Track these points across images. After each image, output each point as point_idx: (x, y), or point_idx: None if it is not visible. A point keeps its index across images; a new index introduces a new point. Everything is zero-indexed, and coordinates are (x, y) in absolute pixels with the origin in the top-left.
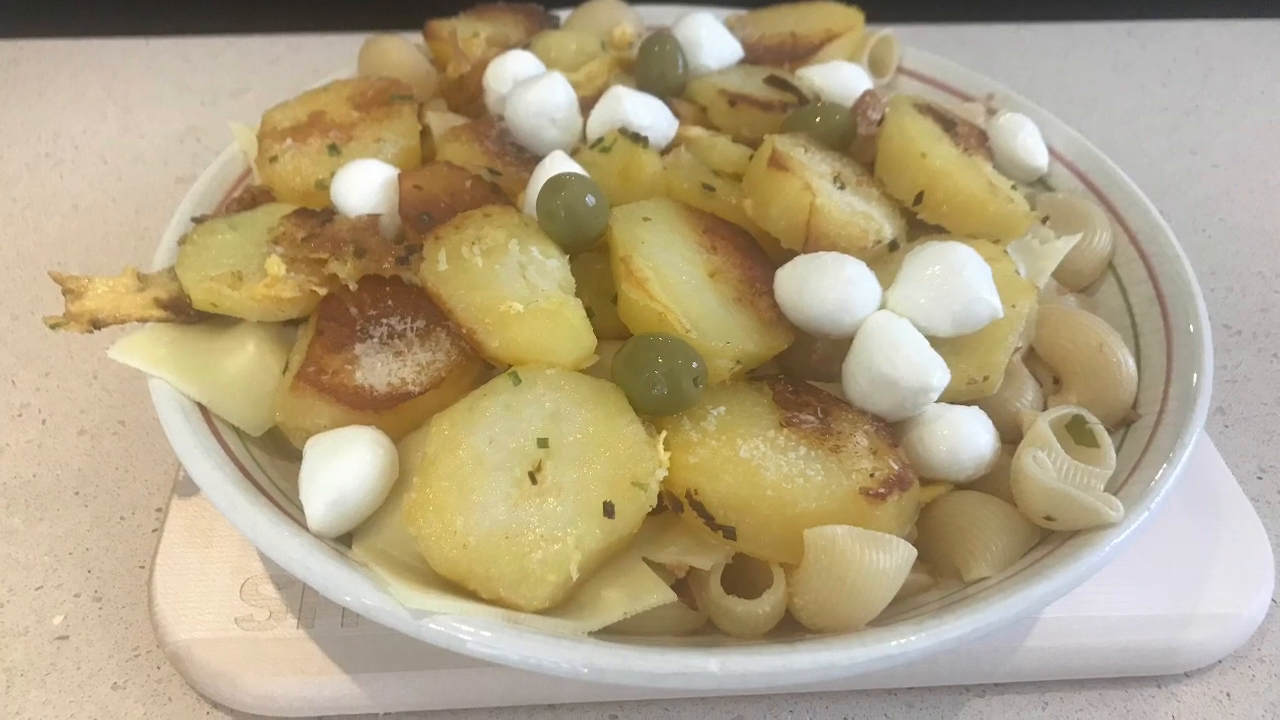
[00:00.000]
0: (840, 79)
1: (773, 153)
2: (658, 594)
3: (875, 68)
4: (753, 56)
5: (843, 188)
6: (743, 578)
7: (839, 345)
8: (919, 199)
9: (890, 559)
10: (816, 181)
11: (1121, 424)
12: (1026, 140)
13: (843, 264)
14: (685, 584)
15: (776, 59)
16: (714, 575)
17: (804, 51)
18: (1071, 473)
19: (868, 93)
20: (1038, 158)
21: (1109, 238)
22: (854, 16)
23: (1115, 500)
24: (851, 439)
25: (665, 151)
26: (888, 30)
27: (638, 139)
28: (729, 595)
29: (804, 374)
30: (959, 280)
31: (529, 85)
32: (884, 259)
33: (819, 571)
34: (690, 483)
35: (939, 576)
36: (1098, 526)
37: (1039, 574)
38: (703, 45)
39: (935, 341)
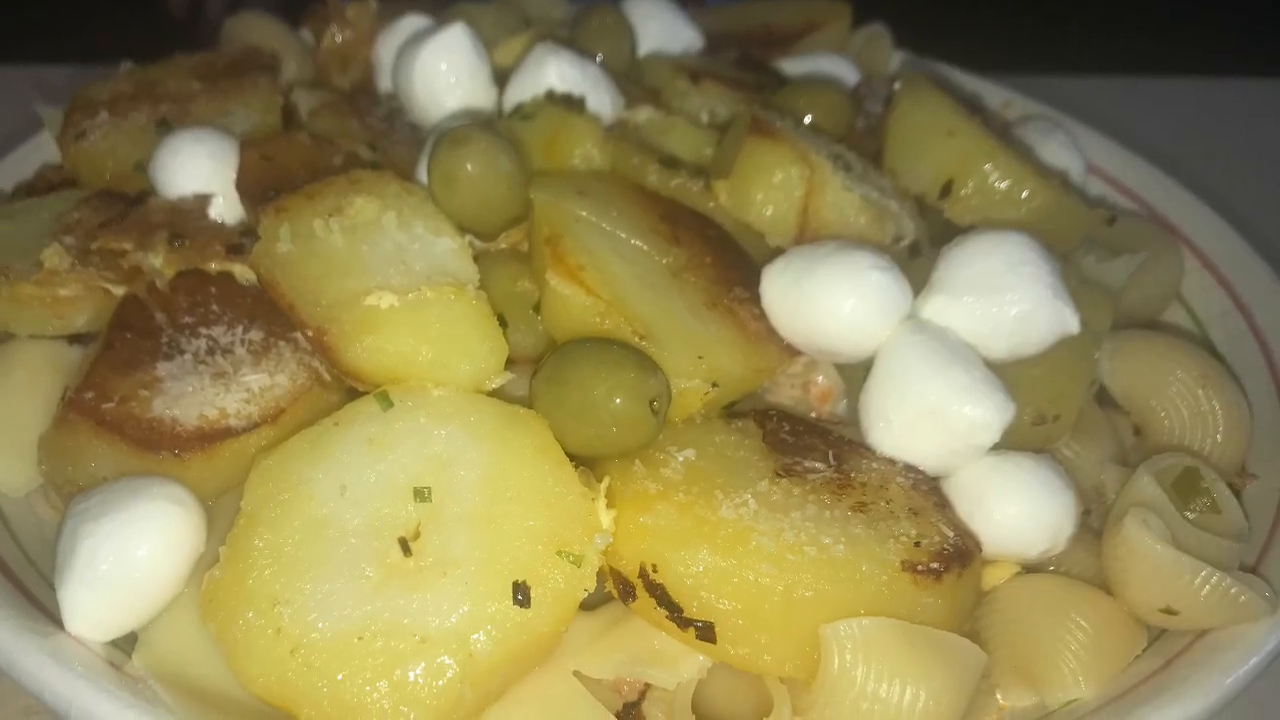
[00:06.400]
0: (824, 73)
1: (754, 119)
2: None
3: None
4: (717, 49)
5: (848, 170)
6: (727, 701)
7: (850, 370)
8: (946, 190)
9: (951, 670)
10: (814, 155)
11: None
12: (1059, 149)
13: (857, 254)
14: (639, 711)
15: (746, 51)
16: (682, 698)
17: (780, 42)
18: (1197, 545)
19: (864, 81)
20: (1073, 167)
21: (1178, 262)
22: (838, 8)
23: (1264, 583)
24: (882, 493)
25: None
26: (878, 26)
27: (570, 102)
28: None
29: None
30: (1015, 279)
31: (422, 39)
32: (902, 269)
33: (844, 689)
34: (647, 554)
35: (1005, 694)
36: (1241, 622)
37: (1161, 693)
38: (655, 29)
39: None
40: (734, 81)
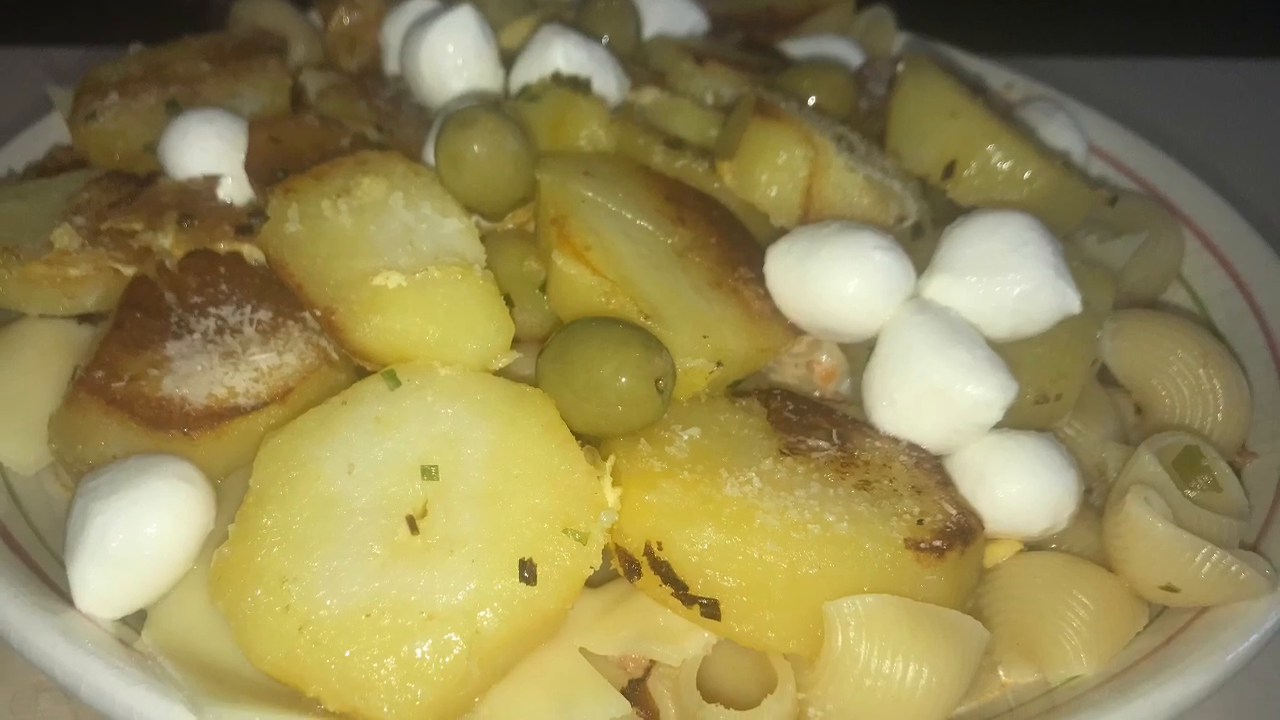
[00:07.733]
0: (828, 54)
1: (758, 101)
2: (602, 704)
3: None
4: (721, 31)
5: (851, 151)
6: (731, 677)
7: (854, 350)
8: (949, 171)
9: (954, 647)
10: (818, 136)
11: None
12: (1060, 130)
13: (861, 235)
14: (644, 687)
15: (750, 33)
16: (687, 674)
17: (784, 25)
18: (1198, 523)
19: (868, 63)
20: (1074, 148)
21: (1178, 242)
22: None
23: (1264, 560)
24: (885, 472)
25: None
26: (881, 8)
27: (576, 84)
28: (710, 704)
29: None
30: (1017, 259)
31: (429, 21)
32: (906, 249)
33: (848, 666)
34: (652, 532)
35: (1008, 671)
36: (1241, 599)
37: (1162, 670)
38: (660, 11)
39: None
40: (738, 63)
